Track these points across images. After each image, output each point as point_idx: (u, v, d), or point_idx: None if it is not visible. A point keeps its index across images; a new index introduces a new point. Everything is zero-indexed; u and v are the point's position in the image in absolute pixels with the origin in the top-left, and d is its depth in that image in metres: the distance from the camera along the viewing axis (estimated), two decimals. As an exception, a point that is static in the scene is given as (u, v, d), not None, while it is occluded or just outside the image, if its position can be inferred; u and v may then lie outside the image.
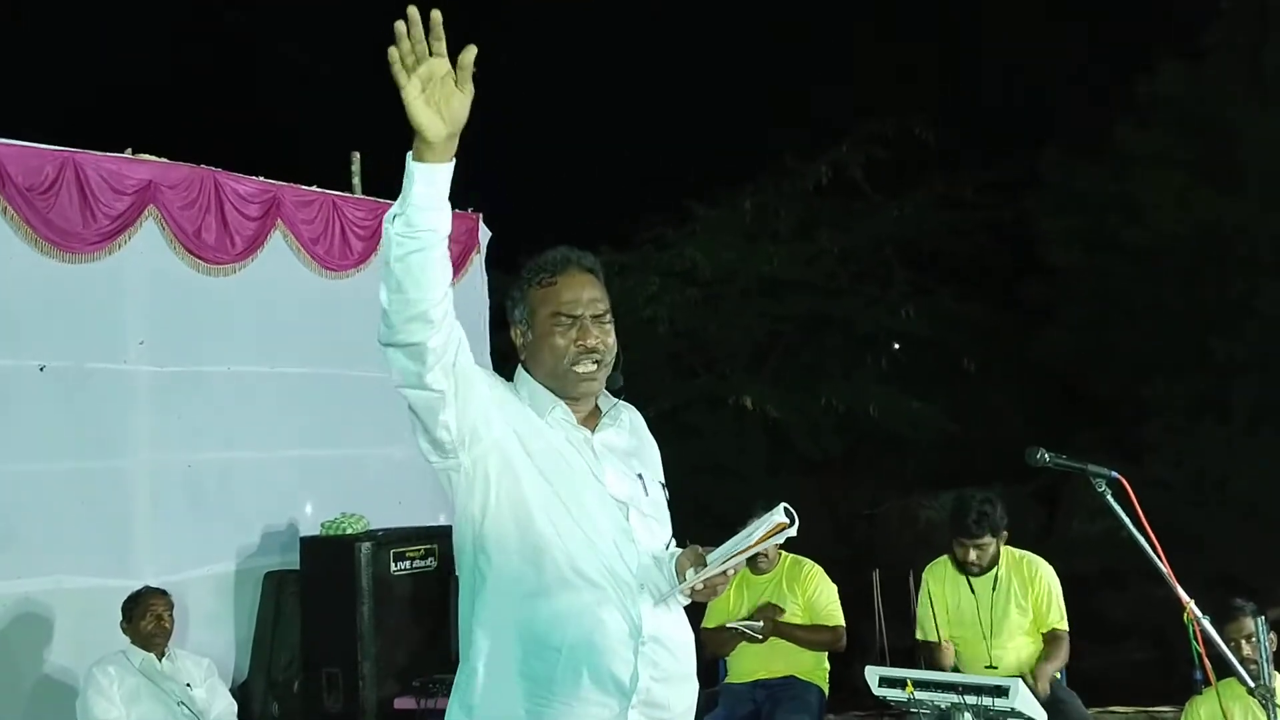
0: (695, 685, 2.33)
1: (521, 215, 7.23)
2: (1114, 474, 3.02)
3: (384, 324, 2.04)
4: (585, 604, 2.16)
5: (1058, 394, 11.66)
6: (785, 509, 2.16)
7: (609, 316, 2.30)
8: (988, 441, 11.63)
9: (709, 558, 2.21)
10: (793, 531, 2.14)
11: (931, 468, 12.02)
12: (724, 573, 2.18)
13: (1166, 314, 10.34)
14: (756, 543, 2.17)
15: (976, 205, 11.61)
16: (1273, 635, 4.01)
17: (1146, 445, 9.58)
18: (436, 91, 1.88)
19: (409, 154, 1.92)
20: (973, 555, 4.53)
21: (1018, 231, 11.58)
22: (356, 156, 6.47)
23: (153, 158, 5.42)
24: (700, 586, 2.24)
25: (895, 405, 11.42)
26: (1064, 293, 11.35)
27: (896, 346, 12.30)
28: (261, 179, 5.86)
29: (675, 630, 2.28)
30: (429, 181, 1.93)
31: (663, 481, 2.41)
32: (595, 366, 2.26)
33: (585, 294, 2.28)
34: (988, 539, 4.51)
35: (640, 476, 2.33)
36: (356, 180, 6.44)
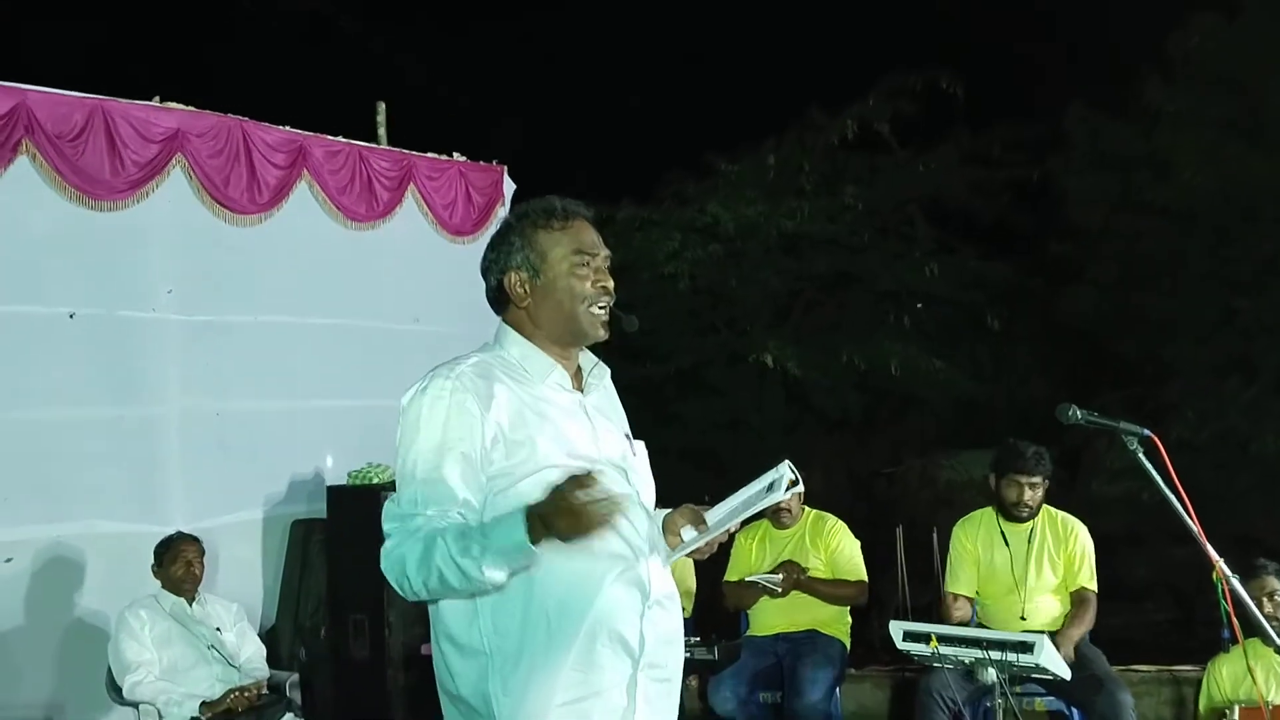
0: (682, 644, 2.31)
1: (543, 169, 7.19)
2: (1146, 432, 3.00)
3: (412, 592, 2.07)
4: (599, 572, 2.11)
5: (1081, 354, 11.57)
6: (789, 466, 2.16)
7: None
8: (1009, 402, 11.59)
9: (709, 518, 2.21)
10: (798, 489, 2.14)
11: (951, 428, 11.99)
12: (725, 531, 2.18)
13: (1193, 274, 10.22)
14: (760, 502, 2.17)
15: (1003, 163, 11.47)
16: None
17: (1170, 406, 9.51)
18: None
19: (525, 526, 1.94)
20: (1026, 494, 4.52)
21: (1044, 189, 11.44)
22: (382, 107, 6.45)
23: (180, 106, 5.43)
24: (703, 547, 2.24)
25: (916, 364, 11.36)
26: (1089, 252, 11.22)
27: (920, 305, 12.22)
28: (288, 129, 5.85)
29: (672, 590, 2.27)
30: (528, 559, 1.99)
31: (639, 442, 2.35)
32: (607, 314, 2.22)
33: (597, 237, 2.25)
34: (1040, 479, 4.51)
35: (627, 436, 2.30)
36: (382, 131, 6.42)
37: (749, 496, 2.18)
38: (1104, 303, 10.95)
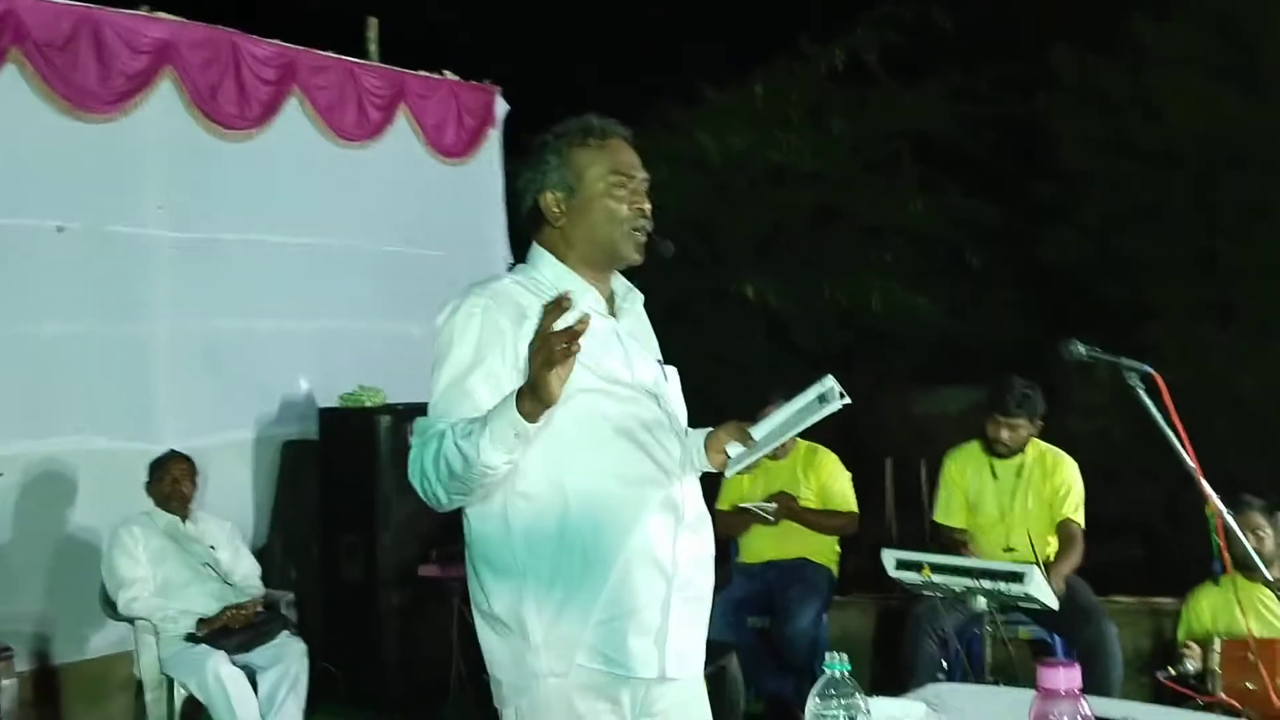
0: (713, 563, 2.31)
1: (531, 92, 7.08)
2: (1148, 369, 3.02)
3: (432, 493, 2.03)
4: (636, 499, 2.11)
5: (1061, 295, 11.65)
6: (834, 379, 2.16)
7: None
8: (987, 340, 11.67)
9: (756, 433, 2.20)
10: (846, 401, 2.13)
11: (929, 364, 12.08)
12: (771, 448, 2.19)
13: (1177, 217, 10.27)
14: (813, 415, 2.16)
15: (991, 100, 11.41)
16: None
17: (1149, 348, 9.63)
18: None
19: (515, 406, 1.88)
20: (1005, 435, 4.59)
21: (1031, 128, 11.40)
22: (374, 23, 6.31)
23: (169, 16, 5.30)
24: (752, 462, 2.24)
25: (897, 300, 11.41)
26: (1074, 193, 11.24)
27: (898, 242, 12.21)
28: (278, 42, 5.73)
29: (703, 512, 2.27)
30: (527, 440, 1.93)
31: (671, 367, 2.34)
32: (643, 238, 2.18)
33: (635, 159, 2.21)
34: (1022, 421, 4.57)
35: (659, 363, 2.28)
36: (373, 47, 6.30)
37: (798, 410, 2.16)
38: (1086, 243, 10.99)
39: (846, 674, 1.83)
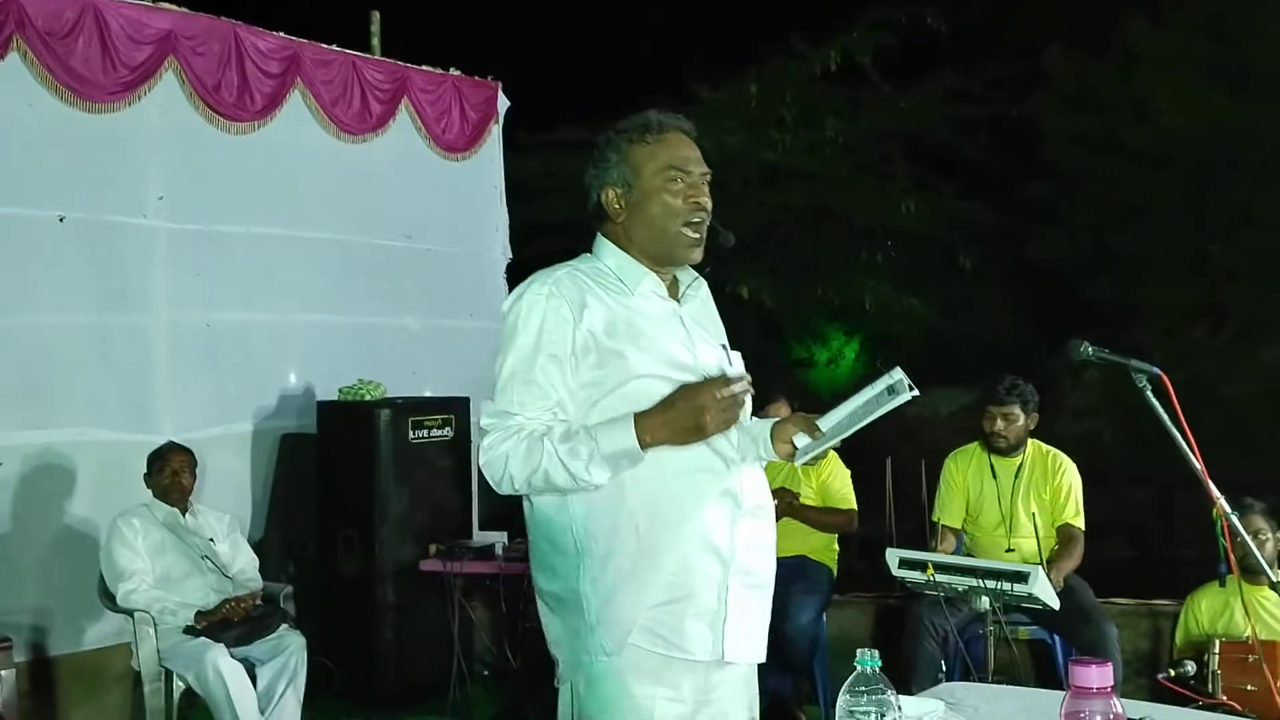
0: (775, 553, 2.35)
1: (526, 90, 7.07)
2: (1156, 370, 3.03)
3: (511, 488, 2.15)
4: (691, 488, 2.15)
5: (1051, 295, 11.72)
6: (902, 371, 2.16)
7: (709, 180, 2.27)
8: (978, 340, 11.72)
9: (823, 425, 2.21)
10: (916, 393, 2.13)
11: (920, 363, 12.12)
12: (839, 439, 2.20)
13: (1167, 218, 10.35)
14: (883, 406, 2.14)
15: (984, 100, 11.47)
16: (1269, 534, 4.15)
17: (1138, 348, 9.69)
18: None
19: (635, 429, 2.07)
20: (1000, 425, 4.60)
21: (1023, 129, 11.47)
22: (376, 16, 6.29)
23: (173, 7, 5.27)
24: (819, 453, 2.24)
25: (890, 300, 11.45)
26: (1066, 193, 11.31)
27: (889, 244, 12.24)
28: (282, 35, 5.71)
29: (765, 500, 2.30)
30: (634, 463, 2.09)
31: (737, 354, 2.36)
32: (700, 233, 2.22)
33: (694, 153, 2.25)
34: (1015, 409, 4.58)
35: (724, 347, 2.31)
36: (376, 41, 6.28)
37: (866, 401, 2.16)
38: (1077, 244, 11.07)
39: (878, 669, 1.84)
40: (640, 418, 2.07)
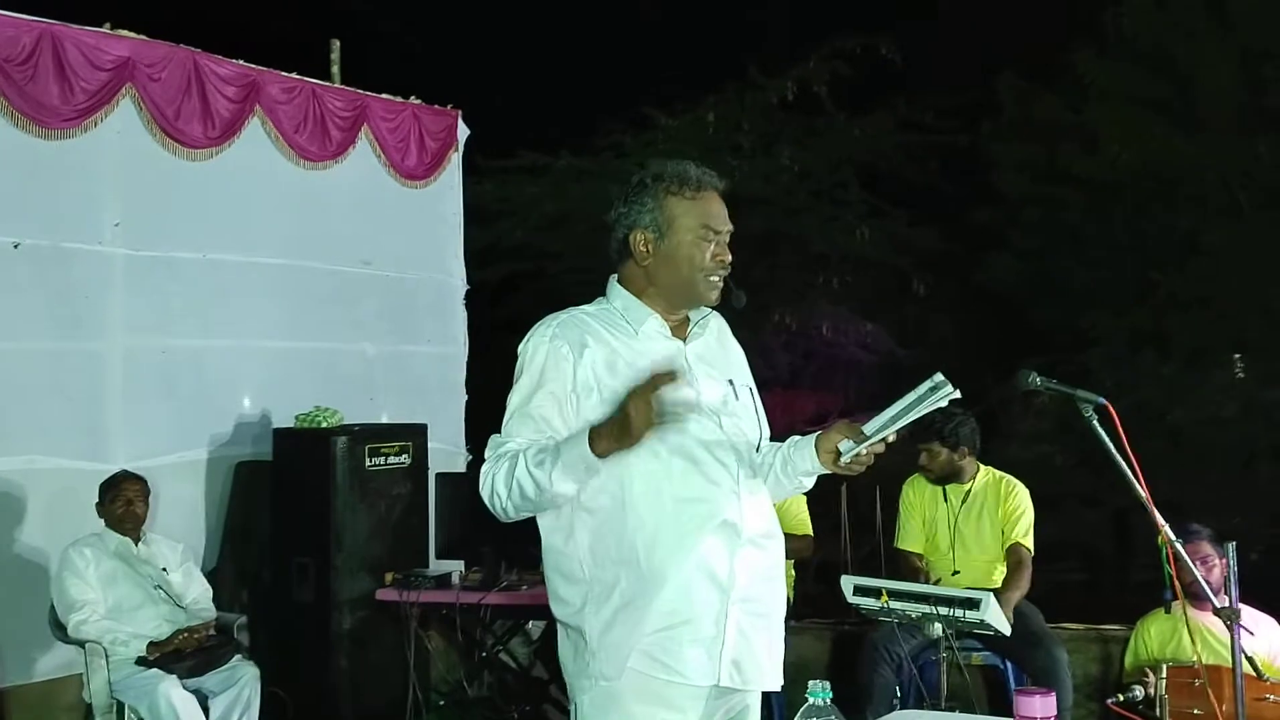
0: (784, 582, 2.44)
1: (484, 115, 7.11)
2: (1101, 400, 3.10)
3: (501, 508, 2.26)
4: (686, 517, 2.24)
5: (1001, 321, 11.90)
6: (942, 376, 2.22)
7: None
8: (930, 365, 11.83)
9: (867, 430, 2.27)
10: (956, 394, 2.21)
11: (874, 389, 12.25)
12: (883, 440, 2.26)
13: (1113, 247, 10.56)
14: (922, 407, 2.22)
15: (935, 129, 11.67)
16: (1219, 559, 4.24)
17: (1086, 374, 9.85)
18: None
19: (587, 442, 2.14)
20: (922, 458, 4.76)
21: (972, 156, 11.68)
22: (336, 45, 6.31)
23: (132, 34, 5.25)
24: (864, 454, 2.29)
25: (845, 325, 11.58)
26: (1014, 221, 11.51)
27: (848, 273, 12.36)
28: (241, 63, 5.70)
29: (769, 529, 2.37)
30: (595, 472, 2.18)
31: (751, 386, 2.47)
32: (720, 282, 2.35)
33: (724, 211, 2.37)
34: (935, 445, 4.70)
35: (730, 382, 2.40)
36: (336, 69, 6.29)
37: (908, 403, 2.23)
38: (1024, 270, 11.26)
39: (829, 701, 1.88)
40: (593, 427, 2.16)
